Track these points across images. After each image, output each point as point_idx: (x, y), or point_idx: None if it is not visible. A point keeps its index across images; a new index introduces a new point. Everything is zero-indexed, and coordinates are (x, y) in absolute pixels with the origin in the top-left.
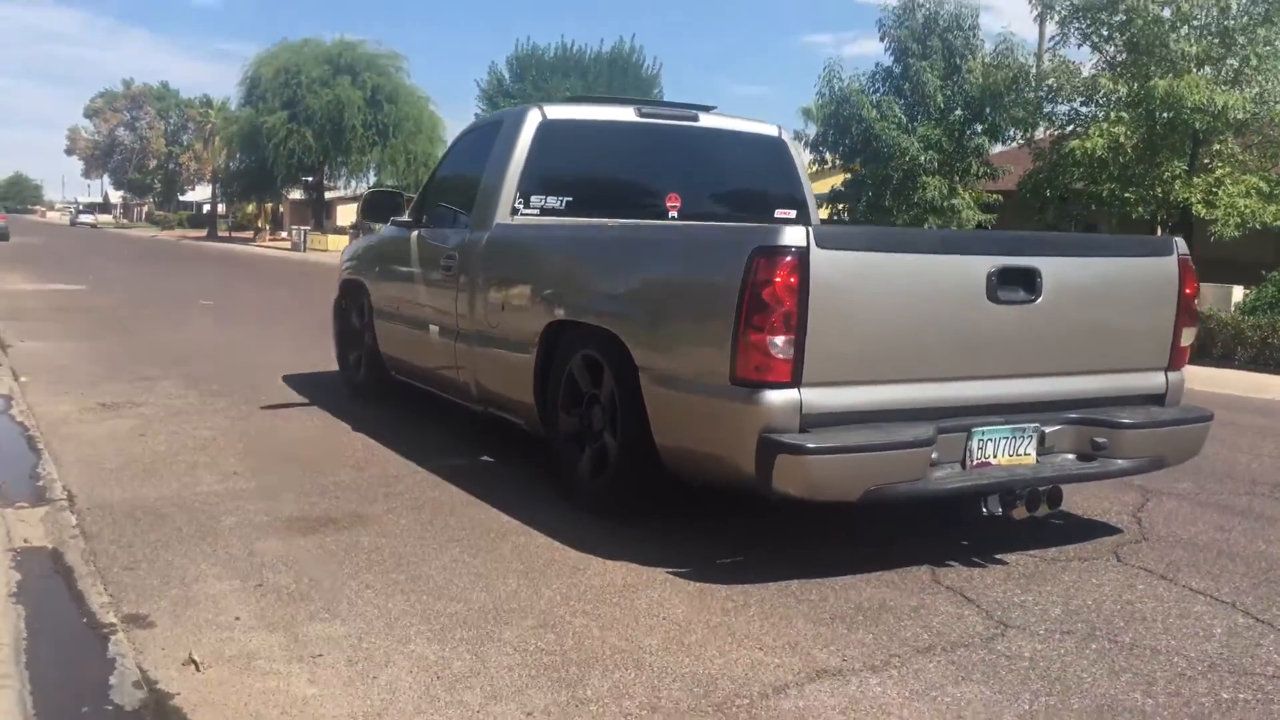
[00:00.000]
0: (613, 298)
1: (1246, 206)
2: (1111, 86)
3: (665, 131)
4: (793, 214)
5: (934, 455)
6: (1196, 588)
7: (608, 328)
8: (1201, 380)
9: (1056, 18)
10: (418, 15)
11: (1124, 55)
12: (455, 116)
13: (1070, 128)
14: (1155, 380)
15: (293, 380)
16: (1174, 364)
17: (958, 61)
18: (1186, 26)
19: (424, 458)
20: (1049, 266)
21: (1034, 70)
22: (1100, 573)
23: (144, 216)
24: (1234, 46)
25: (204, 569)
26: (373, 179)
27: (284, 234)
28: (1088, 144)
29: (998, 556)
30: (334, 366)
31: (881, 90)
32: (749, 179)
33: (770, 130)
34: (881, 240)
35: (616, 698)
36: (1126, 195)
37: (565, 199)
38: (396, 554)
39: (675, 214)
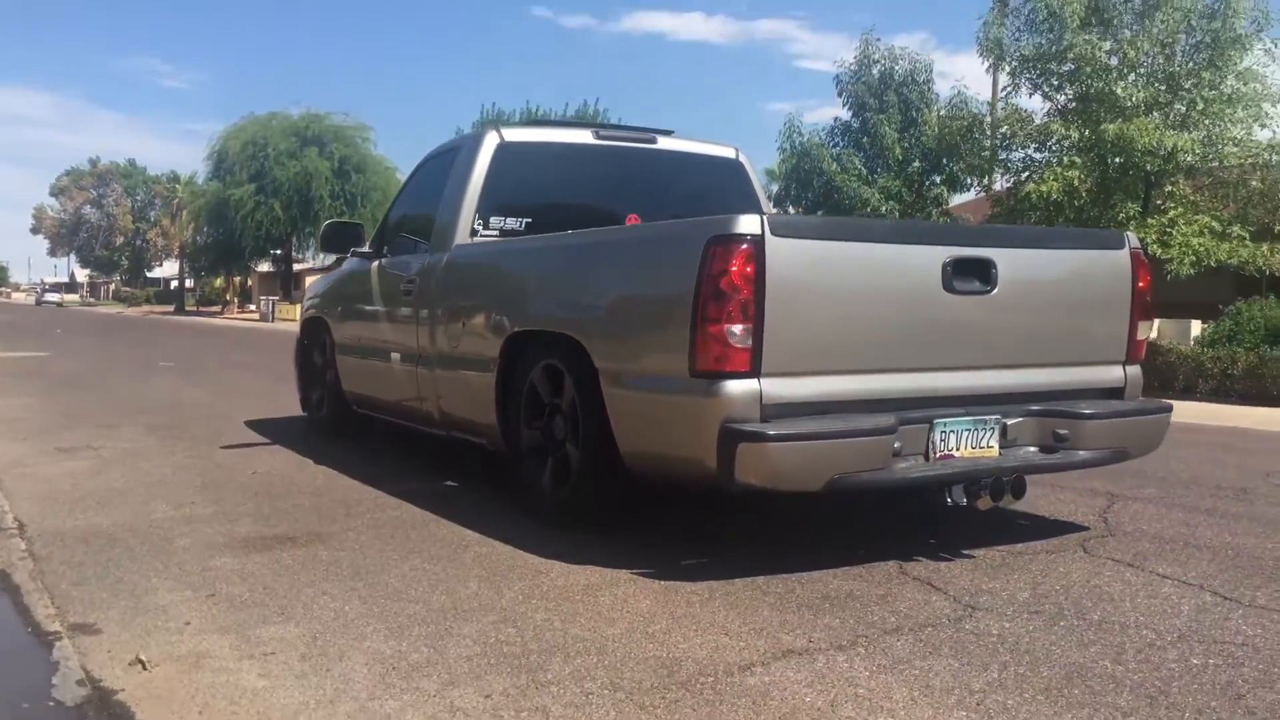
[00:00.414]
0: (570, 303)
1: (1200, 245)
2: (1064, 132)
3: (624, 153)
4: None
5: (896, 445)
6: (1164, 573)
7: (567, 332)
8: None
9: (1008, 69)
10: (383, 87)
11: (1074, 103)
12: None
13: (1025, 174)
14: (1114, 373)
15: (255, 425)
16: (1131, 357)
17: (914, 115)
18: (1133, 74)
19: (385, 483)
20: (1004, 258)
21: (988, 120)
22: (1068, 563)
23: (111, 294)
24: (1180, 91)
25: (155, 583)
26: None
27: (253, 306)
28: (1043, 188)
29: (965, 551)
30: (295, 412)
31: (841, 144)
32: (708, 199)
33: (728, 152)
34: (837, 230)
35: (578, 679)
36: None
37: (524, 220)
38: (355, 565)
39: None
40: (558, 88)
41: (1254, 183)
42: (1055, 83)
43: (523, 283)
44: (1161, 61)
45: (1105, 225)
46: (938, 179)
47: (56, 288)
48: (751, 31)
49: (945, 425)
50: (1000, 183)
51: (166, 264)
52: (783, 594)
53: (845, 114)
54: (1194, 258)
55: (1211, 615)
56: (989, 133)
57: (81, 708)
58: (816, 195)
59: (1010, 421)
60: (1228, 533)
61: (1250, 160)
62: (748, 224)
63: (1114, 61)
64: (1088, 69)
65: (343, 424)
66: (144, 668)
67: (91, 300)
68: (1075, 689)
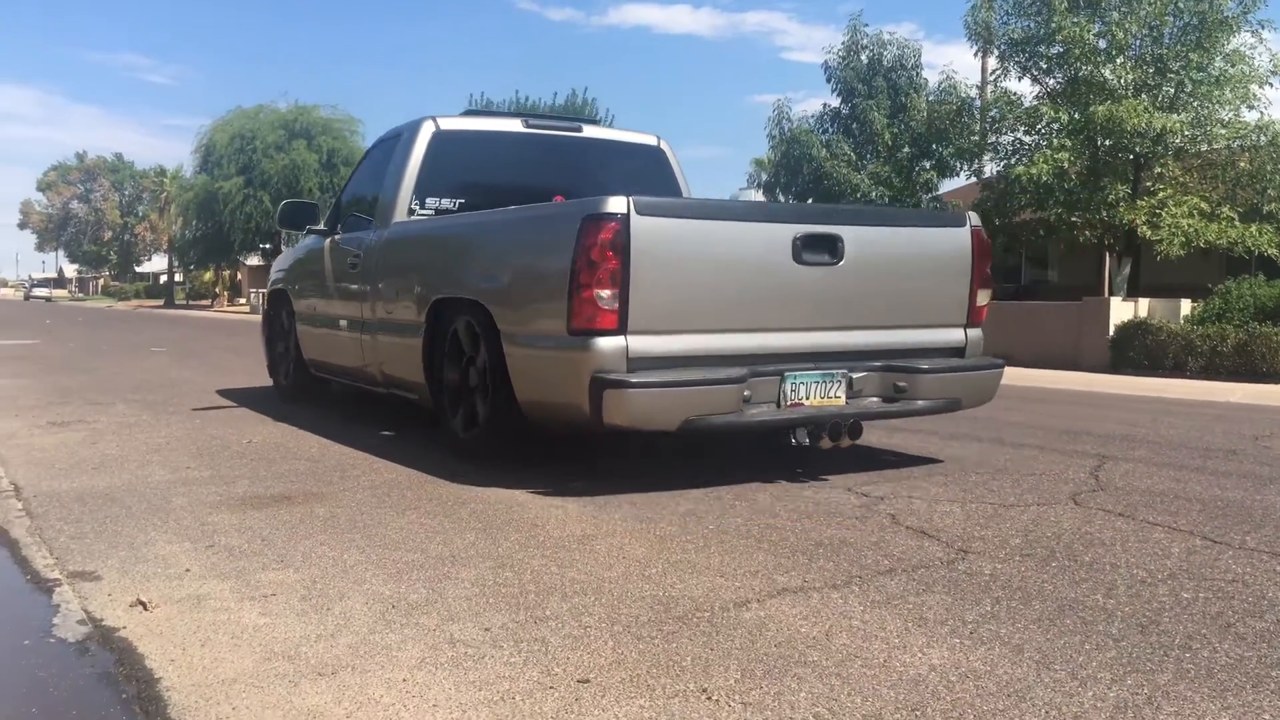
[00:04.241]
0: (478, 273)
1: (1190, 226)
2: (1053, 114)
3: (551, 140)
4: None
5: (746, 394)
6: (1154, 521)
7: (478, 299)
8: (1154, 389)
9: (996, 53)
10: (371, 80)
11: (1063, 86)
12: None
13: (1015, 157)
14: (956, 335)
15: (227, 393)
16: (972, 321)
17: (903, 100)
18: (1122, 56)
19: (379, 448)
20: (851, 234)
21: (977, 103)
22: (1059, 513)
23: (100, 289)
24: (1168, 73)
25: (153, 536)
26: None
27: (243, 300)
28: (1033, 170)
29: (955, 506)
30: (267, 383)
31: (830, 130)
32: (631, 181)
33: (650, 140)
34: (697, 209)
35: (576, 615)
36: (1073, 220)
37: (458, 201)
38: (352, 520)
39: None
40: (546, 80)
41: (1242, 164)
42: (1044, 66)
43: (443, 256)
44: (1149, 44)
45: (1095, 207)
46: (927, 164)
47: (45, 283)
48: (739, 24)
49: (795, 378)
50: (990, 167)
51: (155, 258)
52: (776, 542)
53: (834, 101)
54: (1183, 239)
55: (1202, 556)
56: (978, 117)
57: (83, 643)
58: (806, 182)
59: (856, 375)
60: (1217, 487)
61: (1238, 141)
62: (615, 204)
63: (1102, 44)
64: (1076, 52)
65: (303, 388)
66: (144, 608)
67: (81, 295)
68: (1067, 619)
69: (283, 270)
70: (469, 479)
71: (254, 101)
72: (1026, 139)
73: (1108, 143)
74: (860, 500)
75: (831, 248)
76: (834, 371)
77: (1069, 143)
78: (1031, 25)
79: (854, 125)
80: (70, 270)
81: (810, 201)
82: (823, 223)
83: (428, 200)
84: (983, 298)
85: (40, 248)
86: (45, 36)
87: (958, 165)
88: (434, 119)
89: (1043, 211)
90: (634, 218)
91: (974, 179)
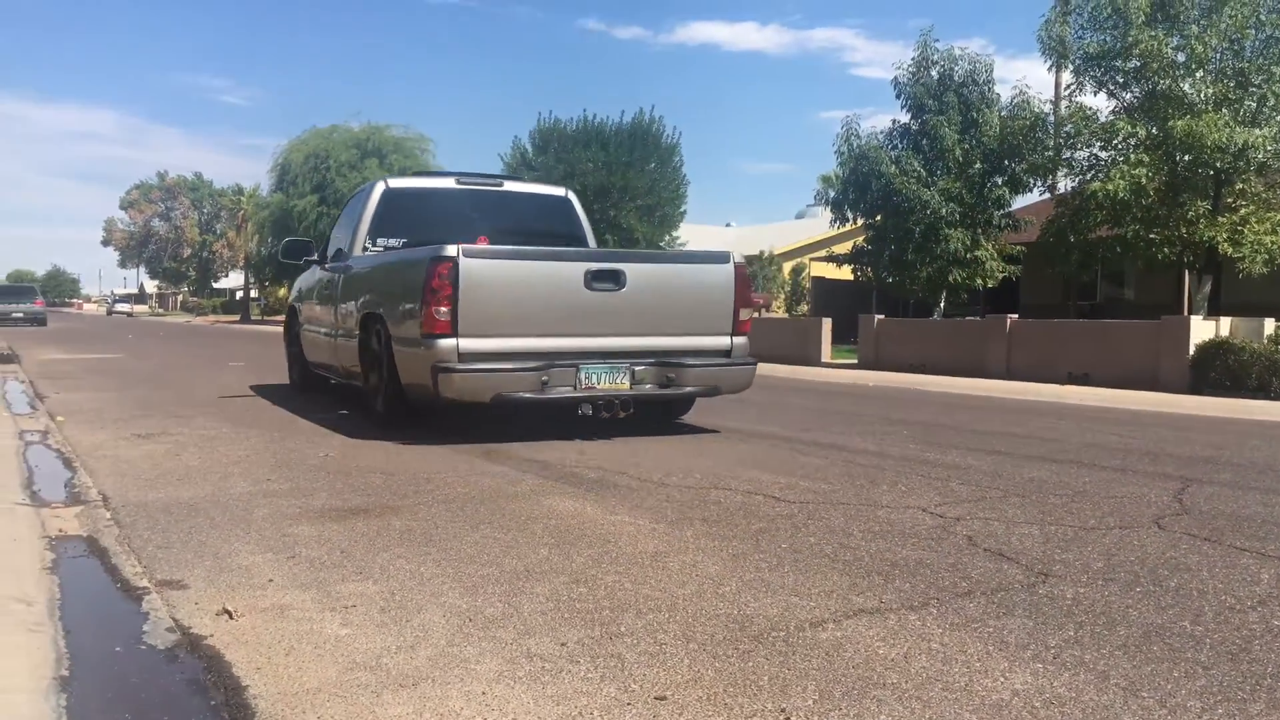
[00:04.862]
0: (380, 295)
1: (1273, 243)
2: (1130, 129)
3: (478, 193)
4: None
5: (545, 379)
6: (1241, 546)
7: (380, 313)
8: (1237, 410)
9: (1071, 67)
10: (442, 99)
11: (1140, 100)
12: None
13: (1091, 173)
14: (724, 341)
15: (321, 415)
16: (737, 330)
17: (974, 115)
18: (1201, 70)
19: (454, 466)
20: (631, 268)
21: (1051, 118)
22: (1142, 537)
23: (178, 305)
24: (1250, 87)
25: (237, 546)
26: None
27: None
28: (1109, 186)
29: (1034, 529)
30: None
31: (900, 146)
32: (542, 224)
33: (559, 191)
34: (513, 254)
35: (651, 632)
36: (1151, 237)
37: (403, 241)
38: (427, 534)
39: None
40: (613, 98)
41: None
42: (1120, 80)
43: (368, 283)
44: (1230, 57)
45: (1174, 224)
46: (999, 180)
47: (126, 298)
48: (805, 40)
49: (589, 369)
50: (1065, 183)
51: (232, 275)
52: (850, 562)
53: (904, 117)
54: (1266, 256)
55: None
56: (1052, 132)
57: (172, 650)
58: (875, 198)
59: (637, 369)
60: None
61: None
62: (450, 250)
63: (1181, 58)
64: (1154, 65)
65: (307, 381)
66: (230, 617)
67: (160, 310)
68: (1154, 646)
69: (296, 291)
70: (538, 494)
71: (328, 121)
72: (1103, 154)
73: (1187, 158)
74: (935, 521)
75: (615, 278)
76: (619, 365)
77: (1147, 158)
78: (1108, 39)
79: (924, 141)
80: (150, 286)
81: (879, 218)
82: (608, 261)
83: (379, 240)
84: (744, 314)
85: (122, 264)
86: (128, 60)
87: (1031, 181)
88: (385, 180)
89: (1119, 228)
90: (463, 259)
91: (1048, 195)
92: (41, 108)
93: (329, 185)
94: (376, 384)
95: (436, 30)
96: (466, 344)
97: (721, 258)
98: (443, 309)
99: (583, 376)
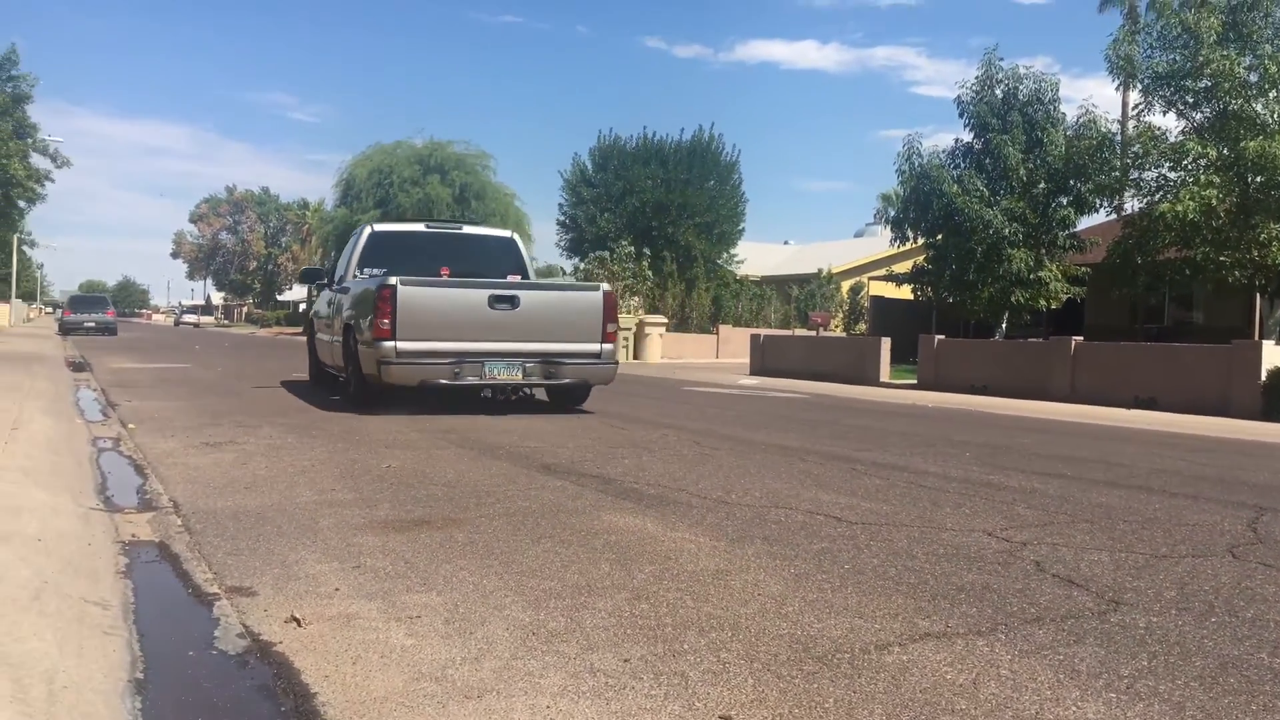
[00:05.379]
0: (354, 310)
1: None
2: (1200, 150)
3: (442, 235)
4: (518, 277)
5: (457, 371)
6: None
7: (351, 323)
8: None
9: (1139, 86)
10: (503, 115)
11: (1211, 120)
12: (540, 207)
13: (1159, 194)
14: (595, 347)
15: (385, 431)
16: (605, 340)
17: (1039, 134)
18: (1275, 90)
19: (514, 479)
20: (525, 294)
21: (1119, 138)
22: (1215, 566)
23: (244, 316)
24: None
25: (303, 555)
26: None
27: None
28: (1179, 207)
29: (1104, 555)
30: (413, 411)
31: (962, 165)
32: (492, 259)
33: (506, 233)
34: (438, 284)
35: (714, 650)
36: (1221, 259)
37: (384, 270)
38: (489, 546)
39: (446, 275)
40: (673, 115)
41: None
42: (1190, 100)
43: (349, 301)
44: None
45: (1245, 246)
46: (1064, 200)
47: (193, 309)
48: (866, 59)
49: (491, 364)
50: (1132, 203)
51: (295, 287)
52: (915, 584)
53: (966, 135)
54: None
55: None
56: (1119, 152)
57: (243, 656)
58: (936, 217)
59: (528, 365)
60: None
61: None
62: (393, 280)
63: (1254, 78)
64: (1225, 85)
65: (319, 379)
66: (298, 625)
67: (225, 322)
68: (1230, 678)
69: (313, 307)
70: (598, 509)
71: (392, 138)
72: (1171, 175)
73: (1259, 179)
74: (1001, 545)
75: (512, 301)
76: (514, 362)
77: (1217, 179)
78: (1177, 58)
79: (987, 160)
80: (217, 297)
81: (940, 237)
82: (505, 289)
83: (365, 269)
84: (610, 329)
85: (190, 276)
86: (200, 78)
87: (1097, 202)
88: (372, 225)
89: (1189, 250)
90: (400, 287)
91: (1114, 216)
92: (119, 124)
93: (392, 200)
94: (350, 374)
95: (499, 49)
96: (403, 345)
97: (594, 288)
98: (385, 320)
99: (486, 370)
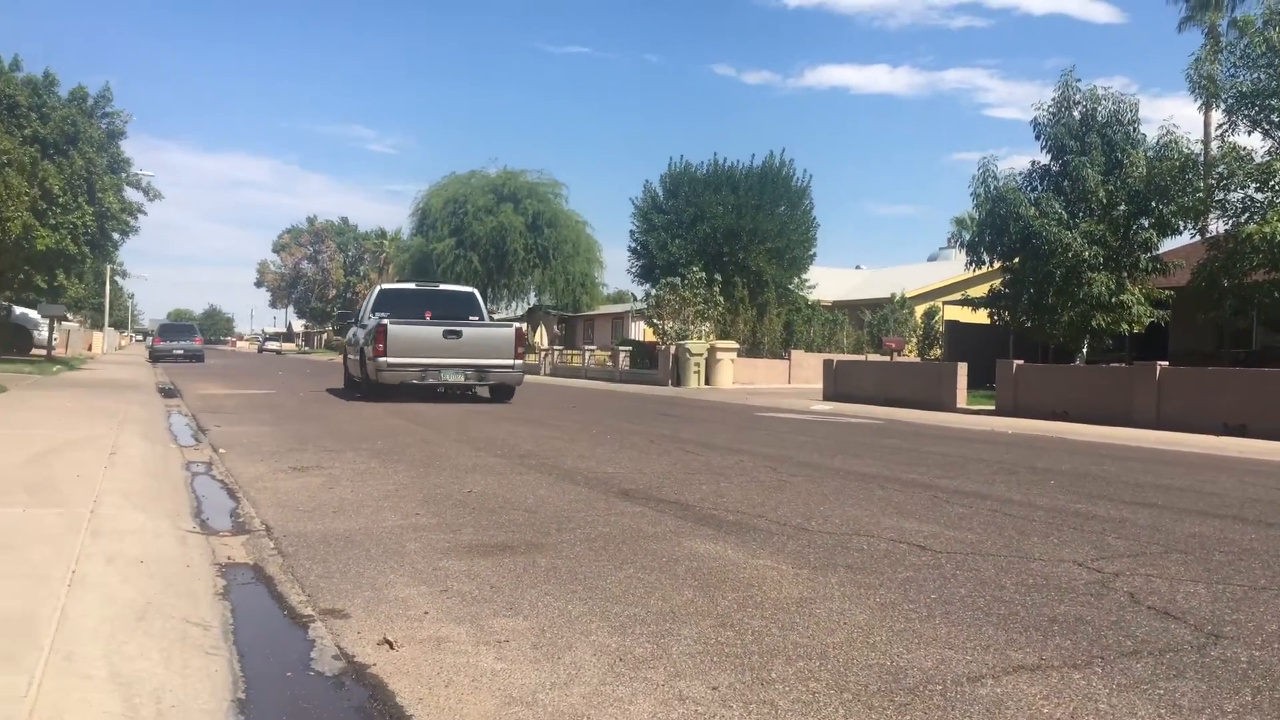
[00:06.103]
0: (366, 338)
1: None
2: None
3: (425, 291)
4: (475, 318)
5: (423, 375)
6: None
7: (363, 346)
8: None
9: (1223, 106)
10: (575, 143)
11: None
12: (611, 234)
13: (1246, 215)
14: (510, 360)
15: (459, 454)
16: (516, 356)
17: (1119, 156)
18: None
19: (593, 504)
20: (466, 329)
21: (1201, 159)
22: None
23: (323, 343)
24: None
25: (393, 579)
26: (533, 299)
27: None
28: (1267, 228)
29: (1200, 587)
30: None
31: (1039, 188)
32: (460, 305)
33: (469, 289)
34: (410, 322)
35: (802, 680)
36: None
37: (387, 313)
38: (572, 571)
39: (429, 317)
40: (744, 142)
41: None
42: (1276, 119)
43: (363, 334)
44: None
45: None
46: (1146, 222)
47: (275, 337)
48: (938, 82)
49: (444, 372)
50: (1216, 225)
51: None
52: (1005, 615)
53: (1043, 158)
54: None
55: None
56: (1203, 173)
57: (339, 677)
58: (1013, 241)
59: (468, 372)
60: None
61: None
62: (385, 321)
63: None
64: None
65: (351, 390)
66: (391, 647)
67: (306, 348)
68: None
69: (345, 337)
70: (679, 535)
71: (467, 168)
72: (1258, 196)
73: None
74: (1093, 576)
75: (458, 334)
76: (460, 370)
77: None
78: (1262, 77)
79: (1065, 182)
80: (298, 325)
81: (1017, 261)
82: (456, 327)
83: (377, 313)
84: (520, 350)
85: (273, 304)
86: (282, 112)
87: (1180, 224)
88: (383, 285)
89: (1277, 272)
90: (389, 325)
91: (1198, 238)
92: (205, 157)
93: (466, 229)
94: (360, 379)
95: (571, 78)
96: (391, 360)
97: (508, 325)
98: (381, 344)
99: (443, 375)
